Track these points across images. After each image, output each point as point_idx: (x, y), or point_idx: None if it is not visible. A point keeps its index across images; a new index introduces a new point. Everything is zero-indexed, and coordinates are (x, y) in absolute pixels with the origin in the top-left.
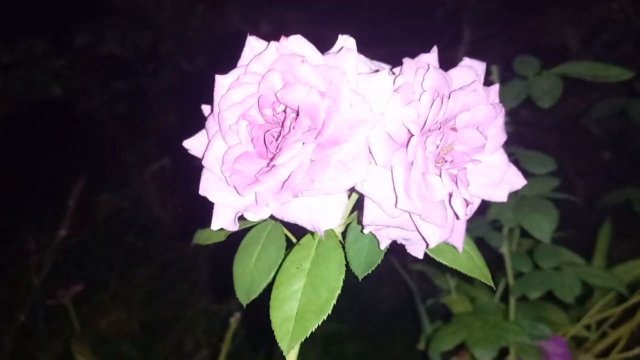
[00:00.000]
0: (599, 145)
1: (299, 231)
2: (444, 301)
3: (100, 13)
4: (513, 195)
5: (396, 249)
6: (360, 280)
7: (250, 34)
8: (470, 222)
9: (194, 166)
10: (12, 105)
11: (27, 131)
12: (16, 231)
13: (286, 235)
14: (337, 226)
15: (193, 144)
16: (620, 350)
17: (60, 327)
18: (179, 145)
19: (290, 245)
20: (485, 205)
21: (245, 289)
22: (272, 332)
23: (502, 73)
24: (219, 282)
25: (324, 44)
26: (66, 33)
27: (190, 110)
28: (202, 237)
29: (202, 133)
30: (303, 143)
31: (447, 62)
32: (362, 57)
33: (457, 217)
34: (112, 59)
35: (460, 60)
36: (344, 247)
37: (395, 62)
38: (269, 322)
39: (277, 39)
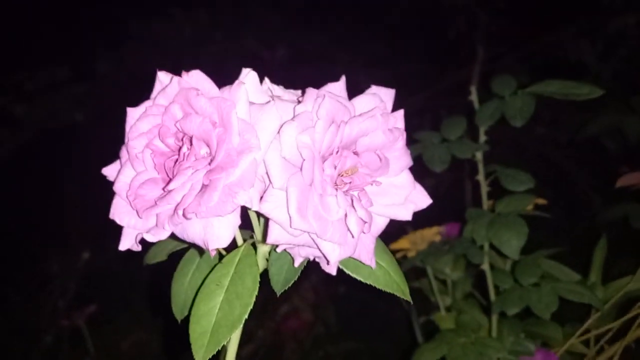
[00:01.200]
0: (616, 161)
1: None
2: (433, 318)
3: (119, 39)
4: (489, 213)
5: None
6: (278, 295)
7: (267, 67)
8: (454, 240)
9: None
10: (35, 131)
11: (46, 157)
12: (40, 254)
13: (222, 255)
14: (265, 245)
15: (109, 172)
16: None
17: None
18: None
19: None
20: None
21: (180, 306)
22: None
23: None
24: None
25: (339, 64)
26: (87, 60)
27: None
28: (149, 257)
29: (117, 161)
30: (193, 169)
31: (461, 84)
32: (267, 86)
33: (352, 235)
34: (134, 82)
35: (475, 79)
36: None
37: (412, 81)
38: None
39: (293, 62)
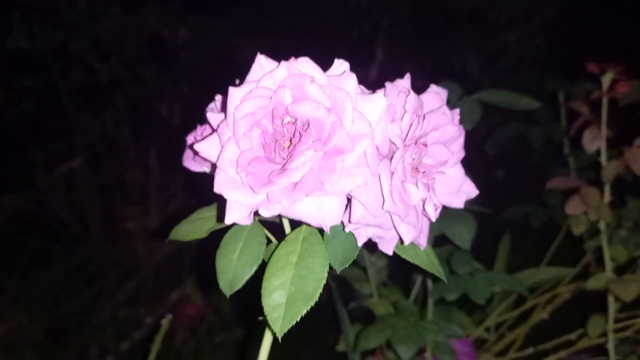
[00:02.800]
0: (496, 164)
1: (277, 230)
2: (366, 304)
3: (7, 6)
4: None
5: None
6: (338, 273)
7: (169, 49)
8: None
9: (108, 169)
10: None
11: None
12: None
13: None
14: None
15: (204, 147)
16: (517, 350)
17: None
18: (93, 147)
19: (268, 243)
20: None
21: (229, 282)
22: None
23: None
24: (127, 288)
25: (242, 52)
26: None
27: (103, 110)
28: (181, 234)
29: (214, 137)
30: (314, 150)
31: (360, 81)
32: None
33: (430, 220)
34: (20, 54)
35: (373, 78)
36: None
37: None
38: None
39: (197, 46)
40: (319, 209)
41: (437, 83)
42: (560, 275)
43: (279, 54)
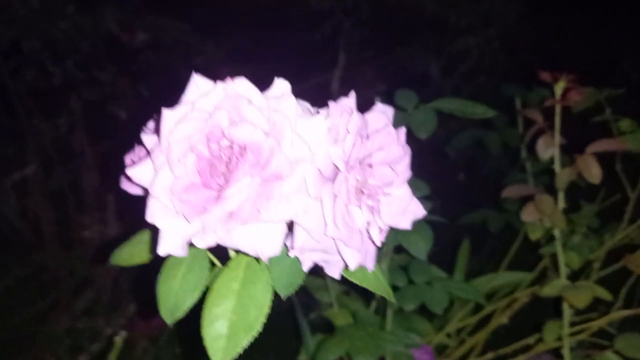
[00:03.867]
0: (455, 168)
1: (220, 253)
2: (325, 314)
3: None
4: None
5: None
6: (284, 299)
7: (126, 51)
8: None
9: (61, 176)
10: None
11: None
12: None
13: (209, 258)
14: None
15: (138, 173)
16: (477, 355)
17: None
18: (47, 152)
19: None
20: None
21: (170, 309)
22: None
23: (372, 99)
24: (84, 298)
25: (201, 54)
26: None
27: (57, 114)
28: (122, 258)
29: (147, 163)
30: (251, 177)
31: (321, 86)
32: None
33: (374, 243)
34: None
35: (335, 83)
36: None
37: (269, 80)
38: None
39: (155, 49)
40: (256, 239)
41: (398, 88)
42: (518, 279)
43: (239, 56)
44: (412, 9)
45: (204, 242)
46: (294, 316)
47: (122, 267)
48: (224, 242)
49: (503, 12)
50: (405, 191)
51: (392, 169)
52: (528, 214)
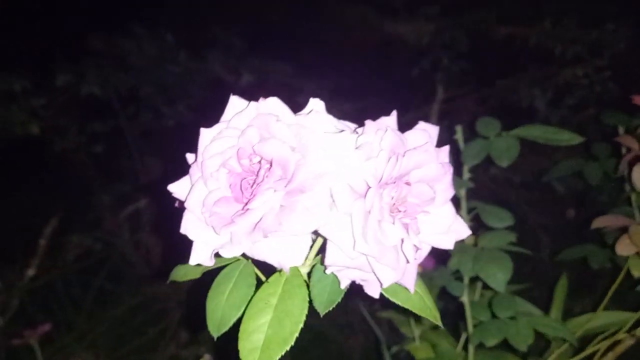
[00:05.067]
0: (564, 203)
1: (269, 270)
2: (407, 348)
3: (79, 53)
4: (474, 247)
5: (366, 298)
6: (321, 316)
7: (232, 92)
8: (434, 271)
9: (171, 209)
10: None
11: (1, 169)
12: None
13: (256, 274)
14: (304, 266)
15: (177, 188)
16: None
17: None
18: (157, 188)
19: (260, 284)
20: (447, 256)
21: (217, 323)
22: None
23: (472, 131)
24: (190, 326)
25: (303, 94)
26: (46, 72)
27: (167, 153)
28: (178, 274)
29: (186, 178)
30: (274, 190)
31: (419, 119)
32: (330, 117)
33: (407, 261)
34: (92, 100)
35: (433, 117)
36: (308, 286)
37: (371, 116)
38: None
39: (259, 89)
40: (279, 250)
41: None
42: (621, 320)
43: (341, 95)
44: (514, 41)
45: (231, 253)
46: (379, 351)
47: None
48: (250, 253)
49: (612, 39)
50: (448, 210)
51: (431, 187)
52: (623, 248)
